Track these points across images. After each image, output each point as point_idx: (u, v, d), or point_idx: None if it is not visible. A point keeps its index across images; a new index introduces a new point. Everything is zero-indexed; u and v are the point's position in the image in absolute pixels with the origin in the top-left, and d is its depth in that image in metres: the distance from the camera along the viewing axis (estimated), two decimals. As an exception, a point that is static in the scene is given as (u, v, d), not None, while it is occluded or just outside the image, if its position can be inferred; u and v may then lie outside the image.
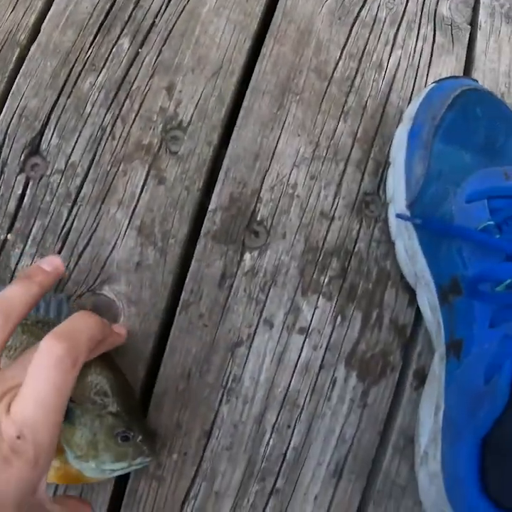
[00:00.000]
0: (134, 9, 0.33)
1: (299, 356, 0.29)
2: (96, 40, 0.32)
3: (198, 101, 0.31)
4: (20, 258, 0.30)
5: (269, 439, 0.29)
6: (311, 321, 0.29)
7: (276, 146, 0.31)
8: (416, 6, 0.36)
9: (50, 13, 0.33)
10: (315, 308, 0.29)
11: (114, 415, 0.26)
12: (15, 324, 0.22)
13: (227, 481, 0.28)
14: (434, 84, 0.30)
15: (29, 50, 0.33)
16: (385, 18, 0.34)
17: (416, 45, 0.35)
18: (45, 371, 0.20)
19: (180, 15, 0.32)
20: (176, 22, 0.32)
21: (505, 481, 0.22)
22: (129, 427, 0.26)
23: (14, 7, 0.34)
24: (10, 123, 0.31)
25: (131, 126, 0.31)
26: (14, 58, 0.32)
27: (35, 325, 0.27)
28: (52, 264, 0.24)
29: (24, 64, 0.32)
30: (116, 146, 0.30)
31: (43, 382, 0.20)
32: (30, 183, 0.30)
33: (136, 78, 0.31)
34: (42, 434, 0.20)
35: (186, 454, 0.28)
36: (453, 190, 0.27)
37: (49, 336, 0.20)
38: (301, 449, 0.29)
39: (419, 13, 0.36)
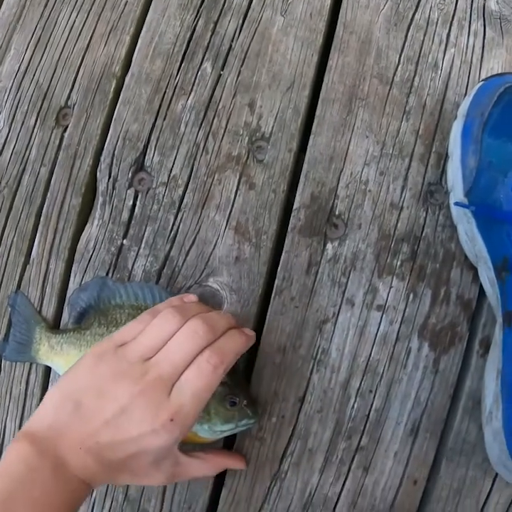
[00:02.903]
0: (211, 36, 0.37)
1: (378, 330, 0.33)
2: (182, 67, 0.37)
3: (277, 114, 0.36)
4: (135, 259, 0.36)
5: (354, 402, 0.33)
6: (387, 299, 0.34)
7: (348, 148, 0.35)
8: (465, 3, 0.38)
9: (138, 45, 0.38)
10: (390, 288, 0.34)
11: (223, 384, 0.30)
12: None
13: (319, 439, 0.33)
14: (482, 82, 0.33)
15: (124, 80, 0.38)
16: (438, 19, 0.37)
17: (468, 41, 0.37)
18: (205, 376, 0.27)
19: (253, 37, 0.37)
20: (250, 44, 0.37)
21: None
22: (235, 394, 0.31)
23: (106, 42, 0.39)
24: (116, 145, 0.37)
25: (221, 141, 0.35)
26: (112, 89, 0.38)
27: (134, 309, 0.33)
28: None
29: (121, 93, 0.38)
30: (210, 159, 0.35)
31: (201, 382, 0.27)
32: (139, 196, 0.36)
33: (221, 98, 0.36)
34: (188, 421, 0.27)
35: (283, 417, 0.33)
36: (501, 180, 0.30)
37: (212, 350, 0.27)
38: (381, 411, 0.33)
39: (468, 10, 0.38)
